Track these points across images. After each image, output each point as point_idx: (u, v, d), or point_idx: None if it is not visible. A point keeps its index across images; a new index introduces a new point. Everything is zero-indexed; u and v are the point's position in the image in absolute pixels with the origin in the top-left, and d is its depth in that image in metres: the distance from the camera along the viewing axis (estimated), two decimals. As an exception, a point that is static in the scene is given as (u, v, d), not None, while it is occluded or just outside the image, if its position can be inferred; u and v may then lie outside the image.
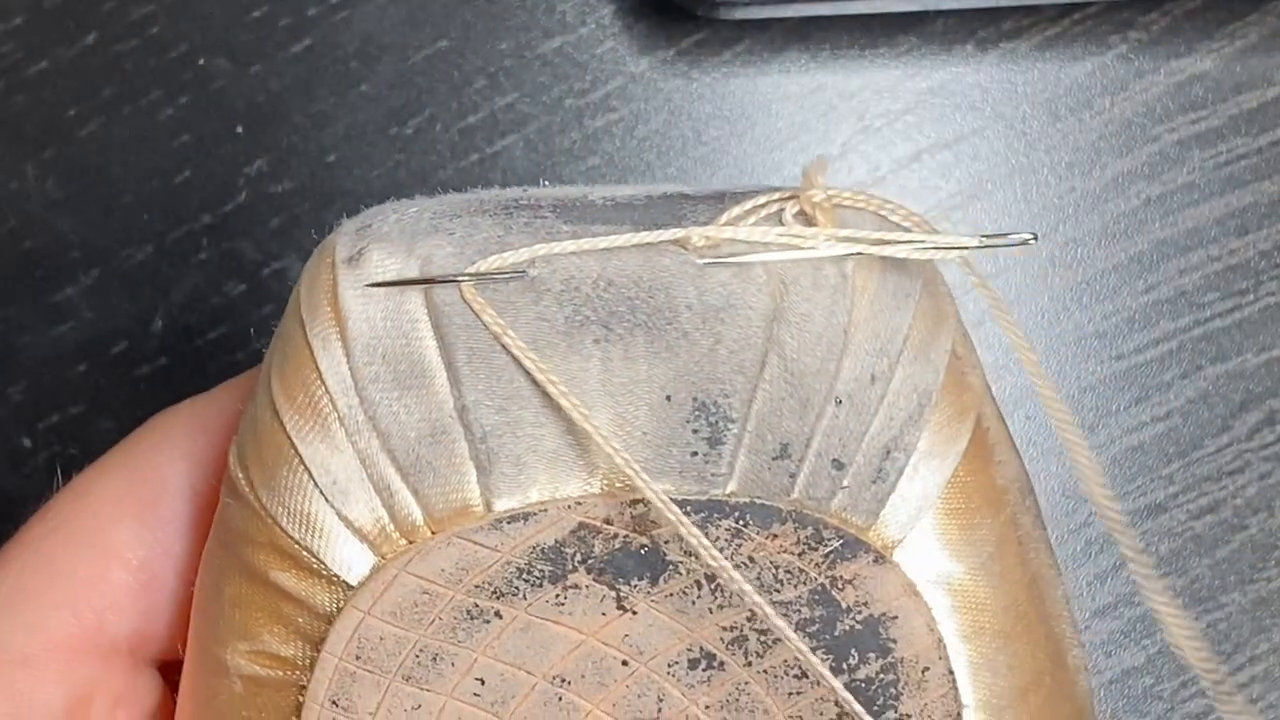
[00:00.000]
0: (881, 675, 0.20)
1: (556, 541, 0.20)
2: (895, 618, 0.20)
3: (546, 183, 0.36)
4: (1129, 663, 0.35)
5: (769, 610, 0.19)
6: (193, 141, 0.36)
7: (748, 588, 0.19)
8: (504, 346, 0.20)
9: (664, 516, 0.20)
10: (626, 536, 0.20)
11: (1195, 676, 0.35)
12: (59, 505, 0.24)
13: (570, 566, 0.20)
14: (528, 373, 0.20)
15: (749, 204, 0.20)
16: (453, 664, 0.20)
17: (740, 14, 0.35)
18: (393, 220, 0.20)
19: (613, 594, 0.20)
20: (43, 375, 0.36)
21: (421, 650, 0.20)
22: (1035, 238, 0.20)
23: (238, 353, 0.36)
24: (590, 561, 0.20)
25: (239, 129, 0.36)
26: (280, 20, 0.37)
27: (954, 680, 0.20)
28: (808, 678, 0.20)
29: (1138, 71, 0.36)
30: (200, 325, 0.36)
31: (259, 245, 0.36)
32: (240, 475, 0.21)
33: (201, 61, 0.37)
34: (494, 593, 0.20)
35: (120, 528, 0.23)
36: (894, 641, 0.20)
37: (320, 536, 0.20)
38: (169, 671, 0.24)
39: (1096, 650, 0.35)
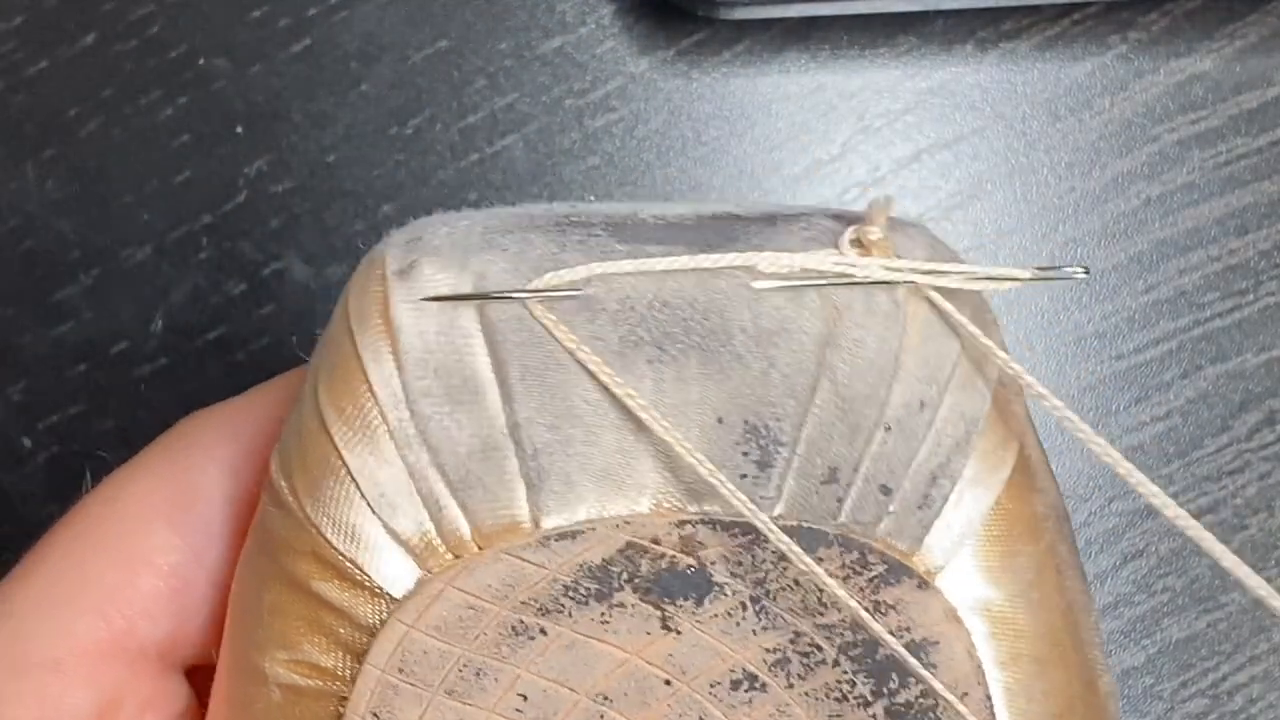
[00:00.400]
0: (921, 700, 0.20)
1: (604, 560, 0.20)
2: (936, 643, 0.20)
3: (550, 180, 0.36)
4: (1129, 663, 0.35)
5: (864, 614, 0.19)
6: (193, 141, 0.36)
7: (841, 593, 0.19)
8: (579, 362, 0.19)
9: (711, 538, 0.20)
10: (674, 556, 0.20)
11: (1195, 676, 0.35)
12: (88, 509, 0.23)
13: (616, 585, 0.20)
14: (603, 388, 0.19)
15: (803, 230, 0.20)
16: (496, 679, 0.20)
17: (740, 14, 0.35)
18: (443, 233, 0.20)
19: (658, 614, 0.20)
20: (43, 375, 0.36)
21: (465, 665, 0.20)
22: (1087, 271, 0.21)
23: (238, 352, 0.36)
24: (636, 581, 0.20)
25: (239, 129, 0.36)
26: (280, 20, 0.37)
27: (991, 706, 0.20)
28: (848, 700, 0.20)
29: (1138, 71, 0.36)
30: (200, 325, 0.36)
31: (259, 245, 0.36)
32: (283, 484, 0.21)
33: (201, 61, 0.36)
34: (540, 609, 0.20)
35: (151, 533, 0.23)
36: (934, 666, 0.20)
37: (365, 549, 0.20)
38: (195, 676, 0.24)
39: (1097, 650, 0.35)
